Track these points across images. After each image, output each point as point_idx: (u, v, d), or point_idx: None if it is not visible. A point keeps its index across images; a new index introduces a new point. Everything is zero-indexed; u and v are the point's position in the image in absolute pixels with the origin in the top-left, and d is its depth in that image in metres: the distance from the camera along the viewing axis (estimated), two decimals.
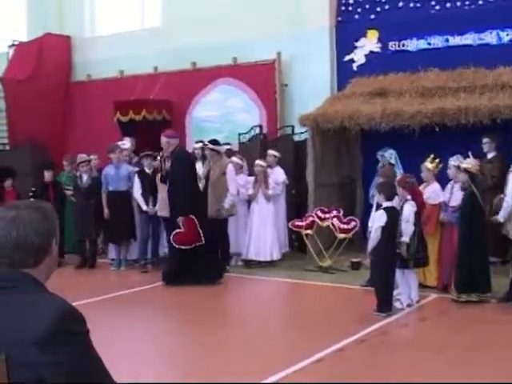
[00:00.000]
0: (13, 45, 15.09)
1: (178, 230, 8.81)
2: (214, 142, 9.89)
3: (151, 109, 12.76)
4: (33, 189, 11.69)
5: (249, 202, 10.26)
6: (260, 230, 9.97)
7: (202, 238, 8.81)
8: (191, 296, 8.45)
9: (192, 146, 11.42)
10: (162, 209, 9.58)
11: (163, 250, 10.25)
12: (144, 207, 10.15)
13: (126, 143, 10.18)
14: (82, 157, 10.97)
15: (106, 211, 10.30)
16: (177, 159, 8.97)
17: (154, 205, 10.00)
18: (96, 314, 7.47)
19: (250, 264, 10.12)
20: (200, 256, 8.80)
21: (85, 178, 10.75)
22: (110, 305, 8.18)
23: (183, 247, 8.81)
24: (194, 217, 8.79)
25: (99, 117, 13.86)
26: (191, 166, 9.17)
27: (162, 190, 9.46)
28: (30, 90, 14.08)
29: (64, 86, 15.01)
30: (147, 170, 10.32)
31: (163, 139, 9.06)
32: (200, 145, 10.42)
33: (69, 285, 9.10)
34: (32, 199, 11.40)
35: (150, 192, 10.11)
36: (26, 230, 2.06)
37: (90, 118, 14.33)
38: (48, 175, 10.89)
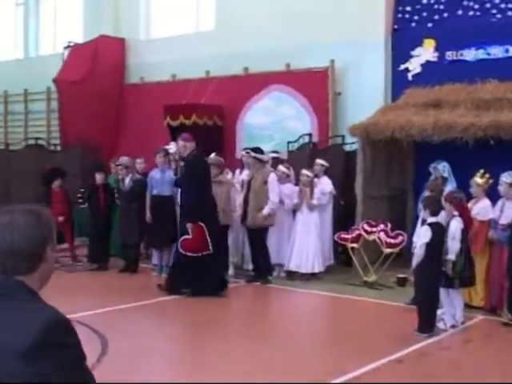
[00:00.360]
0: (68, 46, 15.45)
1: (186, 236, 8.81)
2: (257, 150, 9.90)
3: (202, 114, 12.81)
4: (81, 190, 12.06)
5: (294, 212, 10.20)
6: (303, 241, 9.92)
7: (210, 247, 8.77)
8: (231, 308, 8.45)
9: (241, 153, 11.42)
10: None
11: None
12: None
13: (173, 147, 10.15)
14: (121, 159, 11.04)
15: (148, 215, 10.33)
16: (189, 163, 8.97)
17: None
18: (133, 319, 7.71)
19: (292, 276, 10.07)
20: (206, 266, 8.78)
21: (126, 180, 10.80)
22: (148, 310, 8.20)
23: (189, 254, 8.79)
24: (203, 224, 8.77)
25: (151, 120, 13.95)
26: (204, 171, 9.14)
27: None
28: (83, 91, 14.34)
29: (117, 88, 15.25)
30: None
31: (180, 142, 9.13)
32: (243, 152, 10.43)
33: (108, 289, 9.40)
34: (80, 201, 11.93)
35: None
36: (20, 236, 2.02)
37: (141, 121, 14.46)
38: (99, 177, 10.96)
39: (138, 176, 10.83)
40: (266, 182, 9.65)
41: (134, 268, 10.71)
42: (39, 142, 15.13)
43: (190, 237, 8.77)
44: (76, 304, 7.88)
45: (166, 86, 14.16)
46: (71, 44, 15.46)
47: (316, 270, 10.01)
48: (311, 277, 10.01)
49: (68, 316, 2.02)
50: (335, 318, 8.42)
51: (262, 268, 9.70)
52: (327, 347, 6.92)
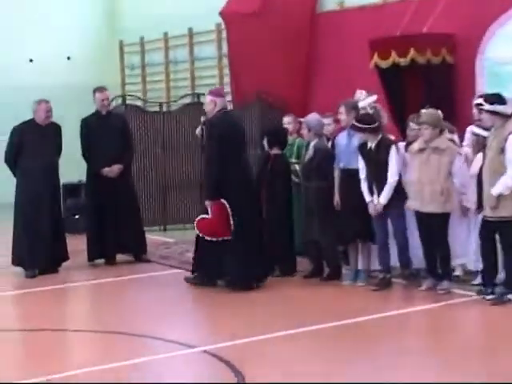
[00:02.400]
0: None
1: (203, 216, 9.41)
2: (496, 98, 8.52)
3: (423, 48, 11.74)
4: None
5: None
6: None
7: (231, 231, 9.32)
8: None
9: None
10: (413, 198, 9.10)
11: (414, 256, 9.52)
12: (367, 197, 9.38)
13: (363, 97, 9.81)
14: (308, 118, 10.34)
15: (336, 198, 9.70)
16: (213, 126, 9.47)
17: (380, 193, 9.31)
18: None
19: None
20: (226, 252, 9.37)
21: (309, 148, 10.13)
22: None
23: (207, 238, 9.37)
24: (225, 202, 9.28)
25: (354, 61, 13.12)
26: (232, 135, 9.52)
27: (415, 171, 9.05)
28: (260, 26, 13.85)
29: (307, 20, 14.35)
30: (370, 144, 9.43)
31: (208, 98, 9.60)
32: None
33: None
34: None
35: (374, 175, 9.30)
36: None
37: (341, 64, 13.63)
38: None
39: (322, 142, 10.12)
40: (503, 149, 8.34)
41: (331, 273, 9.99)
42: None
43: (209, 217, 9.34)
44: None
45: (373, 12, 13.27)
46: None
47: None
48: None
49: None
50: None
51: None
52: None
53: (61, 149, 11.21)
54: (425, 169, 8.90)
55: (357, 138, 9.60)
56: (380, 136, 9.27)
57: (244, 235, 9.38)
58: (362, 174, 9.46)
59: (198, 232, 9.50)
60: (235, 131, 9.65)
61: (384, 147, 9.21)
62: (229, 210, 9.29)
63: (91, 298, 10.31)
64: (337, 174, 9.81)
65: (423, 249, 9.12)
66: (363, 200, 9.44)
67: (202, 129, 10.20)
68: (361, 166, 9.46)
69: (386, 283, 9.41)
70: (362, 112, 9.74)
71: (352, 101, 10.02)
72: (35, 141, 10.80)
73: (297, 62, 14.14)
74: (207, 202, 9.37)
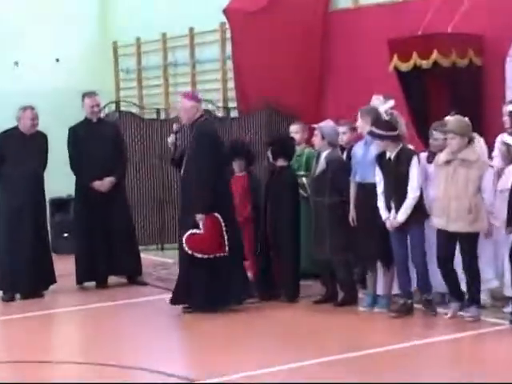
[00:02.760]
0: None
1: (194, 230, 9.49)
2: None
3: (448, 49, 11.63)
4: None
5: None
6: None
7: (226, 248, 9.49)
8: None
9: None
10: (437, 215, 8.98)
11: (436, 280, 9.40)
12: (384, 214, 9.30)
13: (379, 103, 9.52)
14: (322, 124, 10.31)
15: (351, 214, 9.59)
16: (202, 134, 9.64)
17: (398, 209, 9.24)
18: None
19: None
20: (220, 271, 9.53)
21: (321, 158, 10.08)
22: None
23: (198, 255, 9.44)
24: (219, 216, 9.46)
25: (371, 63, 13.04)
26: (220, 145, 9.92)
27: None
28: (267, 25, 13.79)
29: (319, 19, 14.24)
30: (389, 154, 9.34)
31: (188, 103, 9.74)
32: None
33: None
34: None
35: (393, 188, 9.23)
36: None
37: (357, 66, 13.54)
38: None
39: (335, 153, 10.06)
40: None
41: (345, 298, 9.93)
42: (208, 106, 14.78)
43: (201, 232, 9.44)
44: None
45: (393, 10, 13.18)
46: None
47: None
48: None
49: None
50: None
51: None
52: None
53: (46, 160, 11.12)
54: (451, 183, 8.75)
55: (374, 148, 9.46)
56: (400, 146, 9.15)
57: (237, 252, 9.63)
58: (380, 189, 9.33)
59: (187, 250, 9.44)
60: (221, 141, 10.02)
61: (405, 158, 9.07)
62: (222, 224, 9.47)
63: (78, 325, 10.10)
64: (353, 187, 9.68)
65: (443, 271, 8.93)
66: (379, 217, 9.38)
67: (176, 138, 10.08)
68: (378, 179, 9.32)
69: (407, 309, 9.25)
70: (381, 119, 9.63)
71: (371, 107, 9.81)
72: (19, 151, 10.78)
73: (308, 64, 14.00)
74: (200, 216, 9.40)
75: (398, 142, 9.13)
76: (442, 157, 8.91)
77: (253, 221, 10.52)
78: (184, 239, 9.52)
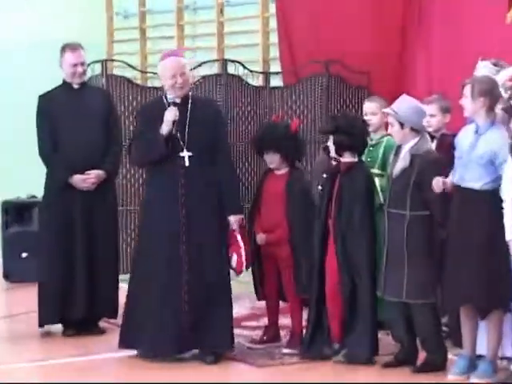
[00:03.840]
0: None
1: (240, 246, 9.99)
2: None
3: None
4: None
5: None
6: None
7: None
8: None
9: None
10: None
11: None
12: (509, 234, 9.03)
13: (487, 71, 9.63)
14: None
15: (442, 233, 9.47)
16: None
17: None
18: None
19: None
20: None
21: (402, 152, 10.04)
22: None
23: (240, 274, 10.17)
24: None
25: (475, 16, 13.03)
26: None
27: None
28: None
29: None
30: None
31: (186, 65, 9.92)
32: None
33: None
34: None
35: None
36: None
37: (455, 20, 13.46)
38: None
39: (423, 144, 9.79)
40: None
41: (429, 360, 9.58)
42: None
43: (241, 245, 9.95)
44: None
45: None
46: None
47: None
48: None
49: None
50: None
51: None
52: None
53: None
54: None
55: (497, 134, 9.10)
56: None
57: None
58: (509, 195, 9.01)
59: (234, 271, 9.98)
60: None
61: None
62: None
63: None
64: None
65: None
66: (498, 238, 8.98)
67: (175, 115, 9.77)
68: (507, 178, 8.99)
69: None
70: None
71: (486, 77, 9.49)
72: None
73: (388, 16, 14.01)
74: (237, 218, 9.89)
75: None
76: None
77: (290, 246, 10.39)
78: (233, 261, 9.99)
